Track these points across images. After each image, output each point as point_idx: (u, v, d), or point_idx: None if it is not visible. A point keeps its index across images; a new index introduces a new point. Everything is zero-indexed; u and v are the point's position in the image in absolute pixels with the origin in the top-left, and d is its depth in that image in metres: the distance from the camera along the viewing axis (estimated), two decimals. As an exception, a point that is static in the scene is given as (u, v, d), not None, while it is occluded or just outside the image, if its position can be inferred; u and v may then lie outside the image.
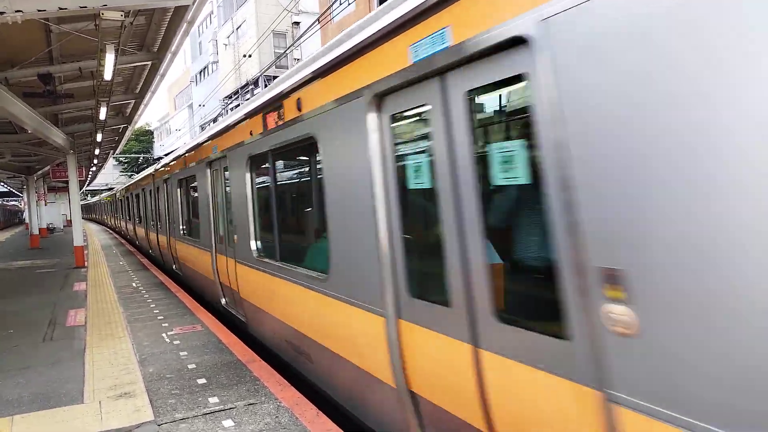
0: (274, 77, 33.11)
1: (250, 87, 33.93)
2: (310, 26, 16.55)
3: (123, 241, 29.23)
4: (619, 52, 1.93)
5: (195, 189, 9.88)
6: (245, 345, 6.81)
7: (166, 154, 22.46)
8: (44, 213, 34.51)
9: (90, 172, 35.14)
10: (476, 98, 2.85)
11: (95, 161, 27.34)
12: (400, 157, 3.46)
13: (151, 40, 10.83)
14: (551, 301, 2.32)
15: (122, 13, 6.99)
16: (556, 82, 2.17)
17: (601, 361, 2.08)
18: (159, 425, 4.51)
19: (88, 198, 75.02)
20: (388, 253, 3.51)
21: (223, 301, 8.36)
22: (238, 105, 32.27)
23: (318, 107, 4.36)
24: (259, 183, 6.52)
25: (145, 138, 68.04)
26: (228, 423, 4.47)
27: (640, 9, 1.85)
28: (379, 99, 3.51)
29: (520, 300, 2.81)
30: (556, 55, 2.17)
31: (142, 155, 59.91)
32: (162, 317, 8.73)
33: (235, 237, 6.99)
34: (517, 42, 2.37)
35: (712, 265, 1.69)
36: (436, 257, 3.04)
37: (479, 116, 2.94)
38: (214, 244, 8.48)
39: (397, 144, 3.48)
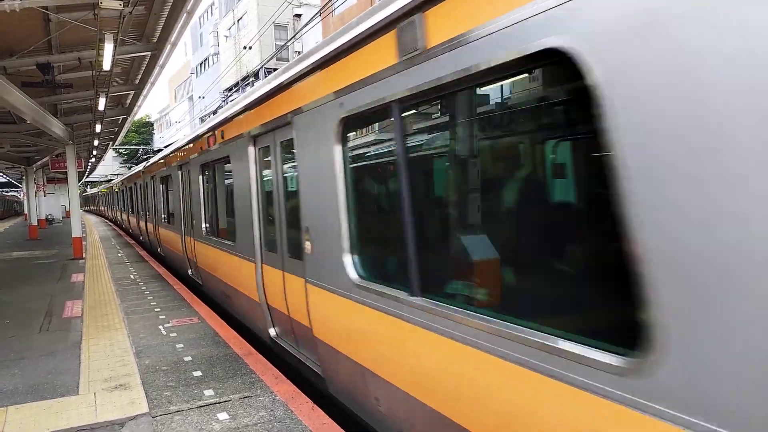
0: (275, 69, 32.99)
1: (251, 79, 33.82)
2: (312, 18, 16.51)
3: (121, 232, 29.23)
4: None
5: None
6: (241, 338, 6.79)
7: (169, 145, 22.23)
8: (43, 204, 34.47)
9: (89, 164, 35.08)
10: None
11: (94, 152, 27.29)
12: None
13: (150, 30, 10.76)
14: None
15: (121, 2, 6.94)
16: None
17: None
18: (154, 417, 4.49)
19: (87, 189, 74.80)
20: None
21: None
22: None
23: None
24: None
25: (145, 130, 67.86)
26: (223, 416, 4.45)
27: None
28: None
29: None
30: None
31: (141, 147, 59.87)
32: (159, 309, 8.71)
33: None
34: None
35: None
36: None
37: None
38: None
39: None
